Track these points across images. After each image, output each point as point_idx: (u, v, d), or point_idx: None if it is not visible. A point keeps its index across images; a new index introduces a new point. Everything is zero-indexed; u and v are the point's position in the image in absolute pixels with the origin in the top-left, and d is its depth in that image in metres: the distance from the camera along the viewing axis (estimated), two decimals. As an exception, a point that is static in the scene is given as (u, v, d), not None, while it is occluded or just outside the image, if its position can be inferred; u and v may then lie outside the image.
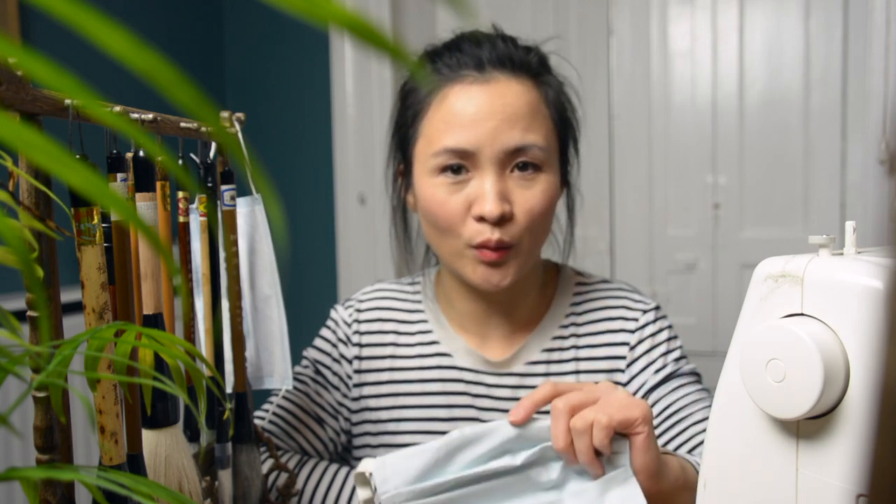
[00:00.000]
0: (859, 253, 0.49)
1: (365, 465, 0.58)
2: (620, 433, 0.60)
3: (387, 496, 0.56)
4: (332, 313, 0.95)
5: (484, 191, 0.78)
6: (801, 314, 0.48)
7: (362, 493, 0.59)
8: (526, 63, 0.82)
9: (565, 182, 0.89)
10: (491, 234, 0.78)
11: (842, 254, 0.50)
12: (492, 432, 0.60)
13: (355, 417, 0.91)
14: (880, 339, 0.19)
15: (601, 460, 0.60)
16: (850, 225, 0.51)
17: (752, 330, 0.50)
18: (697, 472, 0.68)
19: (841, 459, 0.46)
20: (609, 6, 1.95)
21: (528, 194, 0.80)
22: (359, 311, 0.93)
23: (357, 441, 0.92)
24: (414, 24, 2.05)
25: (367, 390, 0.90)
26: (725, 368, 0.54)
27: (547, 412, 0.63)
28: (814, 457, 0.47)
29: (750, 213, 1.86)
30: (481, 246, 0.79)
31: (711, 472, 0.55)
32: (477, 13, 1.95)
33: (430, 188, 0.81)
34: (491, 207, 0.77)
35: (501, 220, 0.78)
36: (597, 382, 0.65)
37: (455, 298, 0.90)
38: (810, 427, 0.48)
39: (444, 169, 0.80)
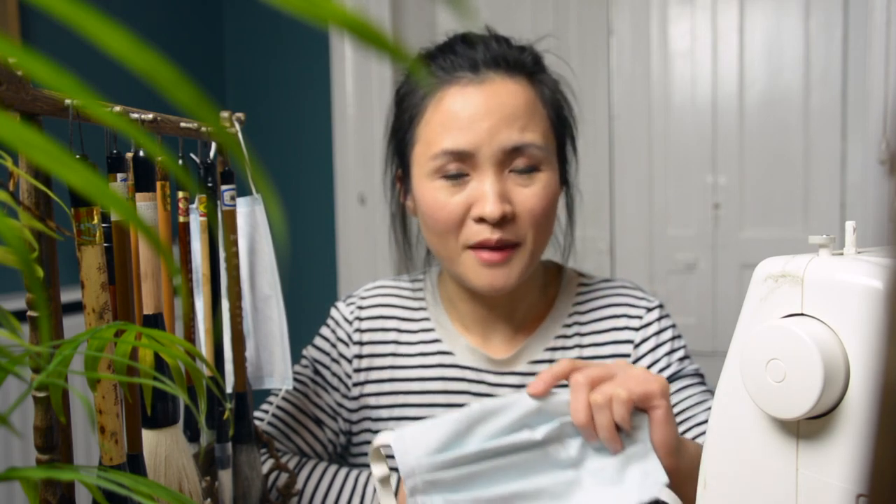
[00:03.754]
0: (859, 253, 0.49)
1: (382, 439, 0.58)
2: (639, 408, 0.60)
3: (407, 468, 0.56)
4: (333, 311, 0.95)
5: (484, 191, 0.78)
6: (801, 314, 0.48)
7: (378, 470, 0.58)
8: (520, 62, 0.82)
9: (564, 181, 0.89)
10: (491, 234, 0.78)
11: (842, 254, 0.50)
12: (512, 405, 0.59)
13: (355, 417, 0.91)
14: (880, 339, 0.19)
15: (620, 436, 0.60)
16: (850, 225, 0.51)
17: (752, 330, 0.50)
18: None
19: (841, 459, 0.46)
20: (609, 6, 1.95)
21: (528, 193, 0.80)
22: (360, 308, 0.93)
23: (356, 439, 0.92)
24: (414, 24, 2.05)
25: (367, 389, 0.90)
26: (725, 368, 0.54)
27: (565, 386, 0.63)
28: (814, 457, 0.47)
29: (750, 213, 1.86)
30: (479, 246, 0.79)
31: (711, 472, 0.55)
32: (477, 13, 1.95)
33: (430, 191, 0.81)
34: (492, 208, 0.77)
35: (502, 221, 0.78)
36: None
37: (457, 299, 0.90)
38: (810, 427, 0.48)
39: (444, 173, 0.80)
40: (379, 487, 0.59)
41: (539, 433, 0.59)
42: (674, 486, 0.62)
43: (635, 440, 0.60)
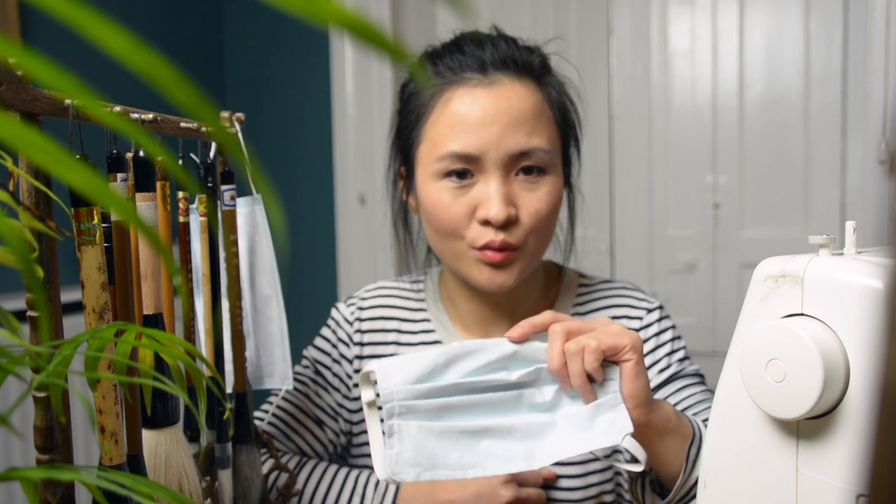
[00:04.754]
0: (859, 253, 0.49)
1: (368, 366, 0.61)
2: (612, 361, 0.62)
3: (385, 392, 0.59)
4: (334, 312, 0.95)
5: (489, 194, 0.78)
6: (802, 314, 0.48)
7: (365, 395, 0.61)
8: (528, 64, 0.82)
9: (567, 183, 0.89)
10: (495, 236, 0.78)
11: (842, 254, 0.49)
12: (491, 347, 0.62)
13: (355, 417, 0.91)
14: (880, 339, 0.19)
15: (593, 386, 0.62)
16: (850, 225, 0.51)
17: (752, 330, 0.50)
18: (695, 429, 0.68)
19: (841, 459, 0.46)
20: (609, 6, 1.95)
21: (534, 197, 0.80)
22: (361, 309, 0.93)
23: (357, 440, 0.92)
24: (414, 24, 2.05)
25: (367, 390, 0.90)
26: (725, 368, 0.54)
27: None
28: (814, 457, 0.47)
29: (750, 213, 1.86)
30: (485, 247, 0.79)
31: (711, 472, 0.55)
32: (477, 13, 1.95)
33: (435, 192, 0.81)
34: (497, 211, 0.77)
35: (507, 224, 0.78)
36: None
37: (458, 299, 0.90)
38: (810, 427, 0.48)
39: (449, 174, 0.79)
40: (366, 410, 0.61)
41: (514, 375, 0.61)
42: (646, 440, 0.64)
43: (607, 391, 0.62)
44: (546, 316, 0.64)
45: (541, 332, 0.64)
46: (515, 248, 0.79)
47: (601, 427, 0.61)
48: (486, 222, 0.78)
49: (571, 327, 0.62)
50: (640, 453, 0.61)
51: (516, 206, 0.79)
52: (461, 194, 0.79)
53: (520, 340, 0.63)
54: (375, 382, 0.60)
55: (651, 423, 0.63)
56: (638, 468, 0.62)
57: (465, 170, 0.79)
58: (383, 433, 0.59)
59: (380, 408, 0.61)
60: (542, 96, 0.81)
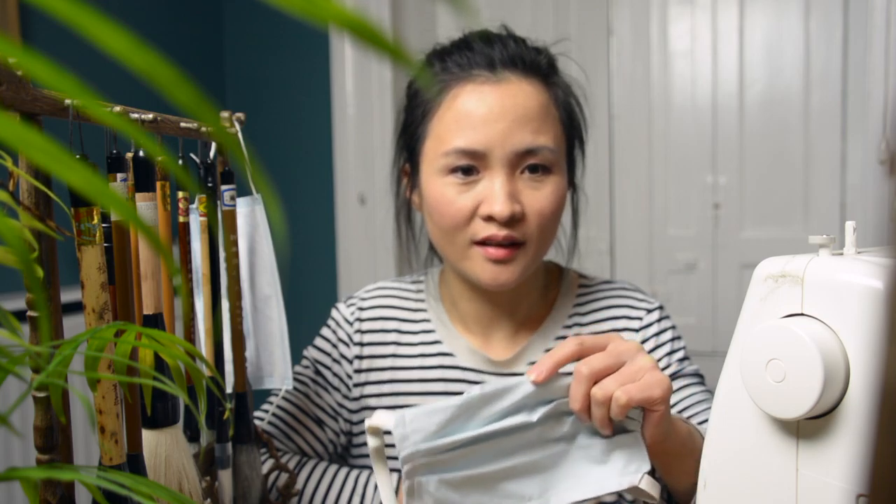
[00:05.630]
0: (859, 253, 0.49)
1: (382, 420, 0.58)
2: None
3: (406, 453, 0.57)
4: (334, 312, 0.95)
5: (494, 191, 0.78)
6: (802, 314, 0.48)
7: (373, 442, 0.60)
8: (536, 64, 0.82)
9: (570, 184, 0.89)
10: (498, 231, 0.78)
11: (842, 254, 0.49)
12: (512, 389, 0.59)
13: (356, 417, 0.91)
14: (880, 339, 0.19)
15: (613, 422, 0.60)
16: (850, 225, 0.51)
17: (752, 330, 0.50)
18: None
19: (841, 459, 0.46)
20: (609, 6, 1.95)
21: (539, 195, 0.80)
22: (361, 309, 0.93)
23: (357, 440, 0.92)
24: (414, 24, 2.05)
25: (368, 390, 0.90)
26: (725, 368, 0.54)
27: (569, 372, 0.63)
28: (814, 457, 0.47)
29: (750, 213, 1.86)
30: (486, 241, 0.79)
31: (711, 472, 0.55)
32: (477, 13, 1.95)
33: (439, 188, 0.81)
34: (501, 208, 0.77)
35: (511, 221, 0.78)
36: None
37: (458, 298, 0.90)
38: (810, 427, 0.48)
39: (454, 170, 0.79)
40: (373, 457, 0.60)
41: (535, 415, 0.59)
42: (659, 461, 0.64)
43: (627, 427, 0.61)
44: (570, 348, 0.60)
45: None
46: (519, 244, 0.79)
47: (617, 462, 0.60)
48: (489, 218, 0.78)
49: (598, 367, 0.59)
50: (655, 490, 0.60)
51: (521, 203, 0.79)
52: (465, 190, 0.79)
53: (544, 382, 0.59)
54: (386, 433, 0.59)
55: (665, 450, 0.63)
56: (652, 503, 0.61)
57: (470, 166, 0.79)
58: (402, 491, 0.59)
59: (389, 456, 0.59)
60: (548, 96, 0.82)
